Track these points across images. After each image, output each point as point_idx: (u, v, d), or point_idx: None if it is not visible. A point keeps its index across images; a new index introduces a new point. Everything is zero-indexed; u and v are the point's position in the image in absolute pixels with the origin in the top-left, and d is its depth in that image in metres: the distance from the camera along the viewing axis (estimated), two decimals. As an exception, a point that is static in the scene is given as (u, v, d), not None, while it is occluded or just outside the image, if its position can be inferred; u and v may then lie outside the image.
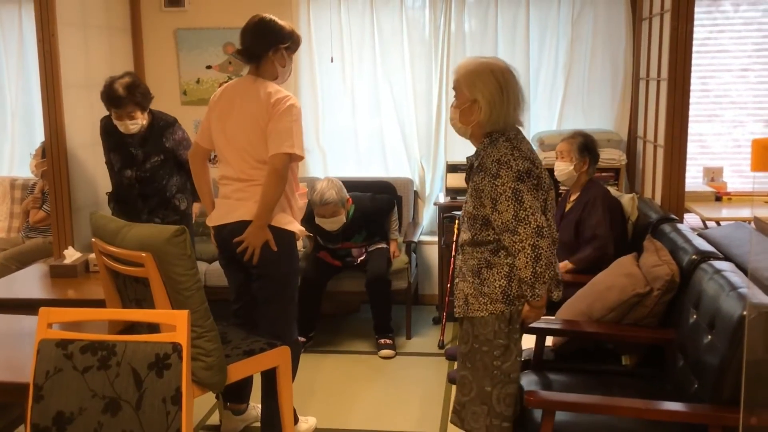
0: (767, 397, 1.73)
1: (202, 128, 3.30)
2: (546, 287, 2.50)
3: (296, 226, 3.22)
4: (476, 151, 2.60)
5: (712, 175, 5.03)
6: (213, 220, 3.24)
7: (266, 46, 3.14)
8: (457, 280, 2.68)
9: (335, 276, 4.54)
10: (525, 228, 2.44)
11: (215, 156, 3.33)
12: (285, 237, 3.16)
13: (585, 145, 3.94)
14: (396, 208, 4.69)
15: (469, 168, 2.65)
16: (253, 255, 3.10)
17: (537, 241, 2.44)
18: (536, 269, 2.45)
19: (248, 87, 3.15)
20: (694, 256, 2.94)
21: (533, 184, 2.48)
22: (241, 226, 3.11)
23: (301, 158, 3.13)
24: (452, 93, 2.64)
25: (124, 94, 3.76)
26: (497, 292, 2.53)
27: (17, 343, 2.93)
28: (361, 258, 4.54)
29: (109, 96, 3.79)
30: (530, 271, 2.46)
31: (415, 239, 4.80)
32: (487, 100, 2.50)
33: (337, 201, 4.24)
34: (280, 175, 3.05)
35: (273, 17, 3.19)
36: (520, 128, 2.62)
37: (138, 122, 3.86)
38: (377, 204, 4.56)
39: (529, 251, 2.44)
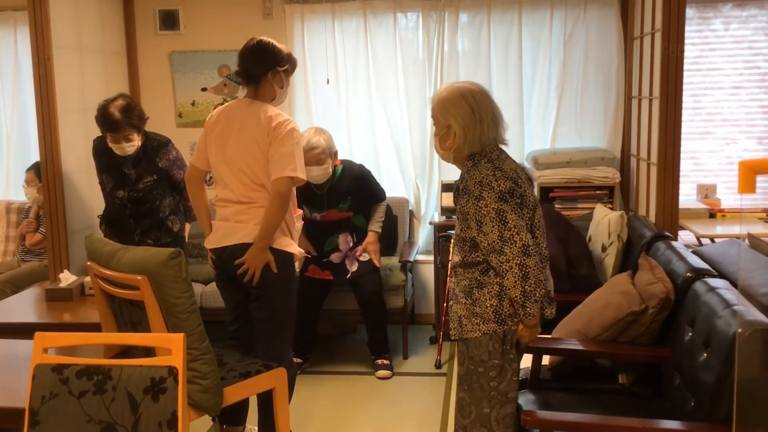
0: (761, 415, 1.73)
1: (198, 150, 3.30)
2: (538, 305, 2.51)
3: (295, 248, 3.24)
4: (461, 175, 2.63)
5: (706, 192, 5.06)
6: (212, 243, 3.25)
7: (265, 68, 3.17)
8: (451, 302, 2.69)
9: (330, 291, 4.48)
10: (511, 248, 2.45)
11: (211, 177, 3.35)
12: (285, 259, 3.18)
13: None
14: (385, 202, 4.58)
15: (455, 191, 2.67)
16: (254, 276, 3.11)
17: (524, 260, 2.45)
18: (525, 288, 2.46)
19: (246, 110, 3.17)
20: (688, 274, 2.95)
21: (517, 203, 2.50)
22: (242, 248, 3.12)
23: (303, 181, 3.16)
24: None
25: (120, 118, 3.75)
26: (489, 312, 2.54)
27: (12, 368, 2.92)
28: (353, 269, 4.40)
29: (105, 120, 3.78)
30: (519, 290, 2.47)
31: (411, 258, 4.80)
32: (460, 123, 2.55)
33: (325, 148, 4.15)
34: (283, 199, 3.08)
35: (271, 40, 3.23)
36: (505, 147, 2.64)
37: (134, 144, 3.86)
38: (368, 179, 4.48)
39: (516, 270, 2.45)
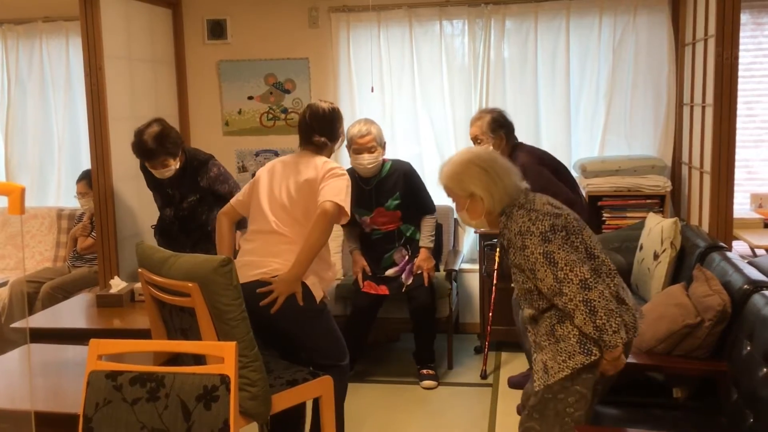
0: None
1: (243, 195, 3.38)
2: (618, 336, 2.41)
3: (319, 291, 3.19)
4: (500, 232, 2.61)
5: (760, 201, 4.93)
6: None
7: (336, 136, 3.37)
8: (534, 354, 2.61)
9: (384, 304, 4.43)
10: (569, 286, 2.41)
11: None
12: (309, 297, 3.14)
13: (495, 121, 4.00)
14: (435, 216, 4.54)
15: (501, 249, 2.66)
16: (277, 305, 3.06)
17: (586, 295, 2.40)
18: (597, 323, 2.40)
19: (302, 158, 3.29)
20: (746, 286, 2.87)
21: (562, 237, 2.46)
22: (255, 285, 3.10)
23: (348, 217, 3.19)
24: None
25: (154, 147, 3.78)
26: (573, 343, 2.47)
27: (64, 373, 2.96)
28: (409, 282, 4.37)
29: (141, 149, 3.82)
30: (591, 326, 2.41)
31: (456, 267, 4.76)
32: (481, 186, 2.55)
33: (376, 136, 4.23)
34: (328, 219, 3.08)
35: (338, 108, 3.41)
36: (528, 192, 2.62)
37: (172, 168, 3.90)
38: (417, 178, 4.47)
39: (582, 308, 2.41)
